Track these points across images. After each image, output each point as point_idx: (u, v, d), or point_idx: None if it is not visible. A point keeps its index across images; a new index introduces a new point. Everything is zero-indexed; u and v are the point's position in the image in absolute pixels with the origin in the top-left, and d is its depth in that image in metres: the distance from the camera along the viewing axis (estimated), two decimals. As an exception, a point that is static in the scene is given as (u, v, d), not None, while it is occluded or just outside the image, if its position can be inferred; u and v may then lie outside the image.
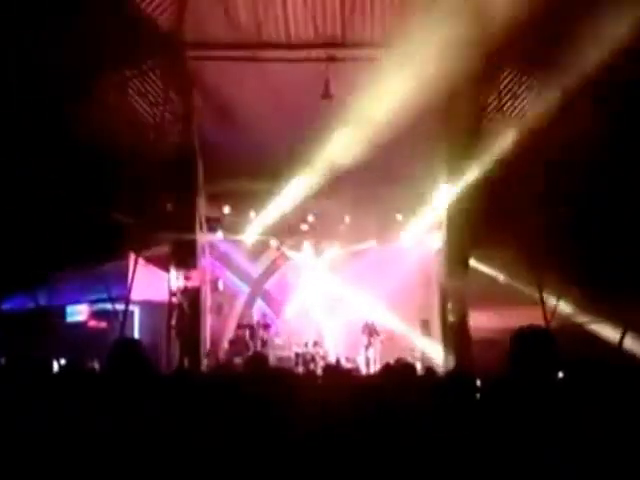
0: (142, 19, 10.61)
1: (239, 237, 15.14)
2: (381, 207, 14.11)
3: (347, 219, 14.76)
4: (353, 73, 11.43)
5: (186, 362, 11.62)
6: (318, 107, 11.39)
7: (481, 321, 12.11)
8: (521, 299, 11.38)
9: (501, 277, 12.42)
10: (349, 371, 8.37)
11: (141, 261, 12.32)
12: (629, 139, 9.05)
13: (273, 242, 15.45)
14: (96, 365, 7.93)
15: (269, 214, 14.22)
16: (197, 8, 11.12)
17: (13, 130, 9.30)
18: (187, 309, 12.15)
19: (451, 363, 11.76)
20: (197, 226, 12.49)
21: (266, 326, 14.89)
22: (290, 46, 11.89)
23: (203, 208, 13.04)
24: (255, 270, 15.77)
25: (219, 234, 14.66)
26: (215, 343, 14.05)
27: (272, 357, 13.23)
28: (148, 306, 13.52)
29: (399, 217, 14.63)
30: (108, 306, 12.45)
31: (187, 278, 12.27)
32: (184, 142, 12.18)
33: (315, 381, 5.49)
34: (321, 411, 3.52)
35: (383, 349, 14.16)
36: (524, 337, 2.64)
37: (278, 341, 14.97)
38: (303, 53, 11.78)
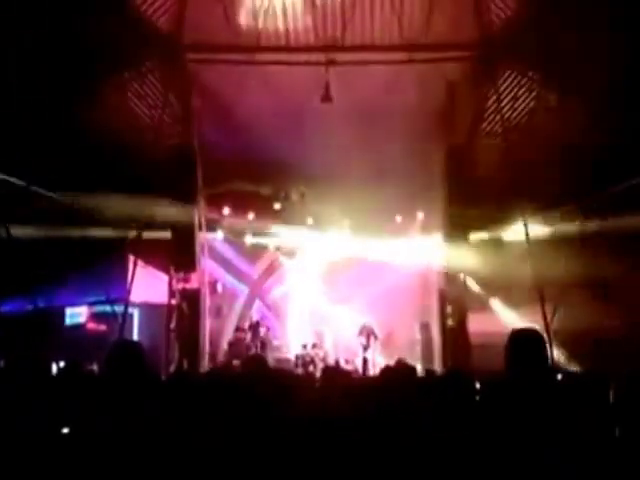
0: (142, 21, 10.62)
1: (238, 239, 15.16)
2: (381, 209, 14.11)
3: (347, 222, 14.78)
4: (353, 76, 11.50)
5: (185, 364, 11.61)
6: (318, 110, 11.42)
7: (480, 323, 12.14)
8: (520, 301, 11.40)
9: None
10: (348, 373, 8.37)
11: (140, 263, 12.32)
12: (628, 138, 9.06)
13: (272, 244, 15.47)
14: (95, 367, 7.92)
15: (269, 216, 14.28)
16: (197, 11, 11.13)
17: (12, 131, 9.30)
18: (186, 311, 12.14)
19: (450, 365, 11.75)
20: (196, 228, 12.48)
21: (266, 328, 14.90)
22: (290, 49, 11.91)
23: (202, 210, 13.04)
24: (254, 272, 15.78)
25: (218, 236, 14.67)
26: (214, 345, 14.04)
27: (271, 359, 13.22)
28: (147, 308, 13.51)
29: (398, 219, 14.66)
30: (107, 308, 12.45)
31: (186, 280, 12.26)
32: (183, 144, 12.18)
33: (314, 383, 5.50)
34: (320, 413, 3.52)
35: (382, 351, 14.18)
36: (518, 339, 2.67)
37: (277, 343, 14.97)
38: (303, 56, 11.79)
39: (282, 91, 11.83)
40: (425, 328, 13.63)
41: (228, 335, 14.84)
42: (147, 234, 11.77)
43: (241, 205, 14.44)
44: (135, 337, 13.06)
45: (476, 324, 12.06)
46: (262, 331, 14.56)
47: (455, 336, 11.94)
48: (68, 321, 13.48)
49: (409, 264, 15.04)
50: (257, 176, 13.42)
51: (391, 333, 14.71)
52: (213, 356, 13.66)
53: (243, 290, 15.74)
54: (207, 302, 13.41)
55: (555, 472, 2.33)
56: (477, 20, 11.07)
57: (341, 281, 15.45)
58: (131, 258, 12.17)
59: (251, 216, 14.64)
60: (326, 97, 11.09)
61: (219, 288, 15.00)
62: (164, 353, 11.90)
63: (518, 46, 11.03)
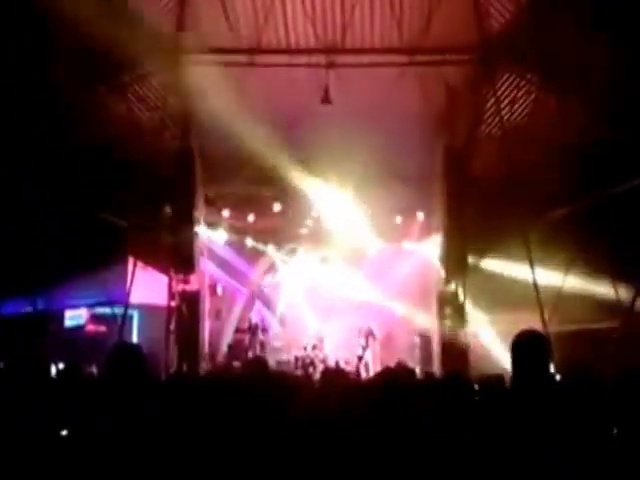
0: (142, 24, 10.63)
1: (238, 241, 15.17)
2: (380, 210, 14.13)
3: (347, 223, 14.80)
4: (353, 78, 11.52)
5: (184, 366, 11.60)
6: (317, 112, 11.44)
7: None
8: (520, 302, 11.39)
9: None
10: (348, 374, 8.37)
11: (140, 265, 12.32)
12: (627, 139, 9.06)
13: (271, 245, 15.50)
14: (94, 369, 7.91)
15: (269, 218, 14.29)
16: (197, 13, 11.15)
17: (11, 134, 9.31)
18: (186, 313, 12.13)
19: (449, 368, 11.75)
20: (196, 230, 12.48)
21: (265, 330, 14.91)
22: (290, 51, 11.94)
23: (202, 212, 13.05)
24: (254, 273, 15.79)
25: (218, 237, 14.68)
26: (214, 347, 14.04)
27: (271, 361, 13.22)
28: (147, 310, 13.51)
29: (398, 220, 14.68)
30: (107, 310, 12.45)
31: (186, 282, 12.26)
32: (183, 146, 12.19)
33: (314, 384, 5.50)
34: (320, 414, 3.52)
35: (381, 352, 14.20)
36: (521, 341, 2.67)
37: (277, 344, 14.98)
38: (303, 58, 11.82)
39: (282, 94, 11.85)
40: (424, 330, 13.63)
41: (228, 337, 14.85)
42: (147, 236, 11.78)
43: (241, 207, 14.46)
44: (135, 339, 13.07)
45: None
46: (260, 333, 14.58)
47: (453, 337, 11.94)
48: (68, 323, 13.49)
49: (408, 265, 15.06)
50: (257, 178, 13.42)
51: (390, 334, 14.73)
52: (213, 358, 13.66)
53: (243, 292, 15.75)
54: (207, 304, 13.41)
55: (555, 472, 2.33)
56: (476, 23, 11.09)
57: (340, 282, 15.48)
58: (131, 260, 12.18)
59: (251, 217, 14.66)
60: (325, 99, 11.12)
61: (219, 290, 15.01)
62: (164, 355, 11.89)
63: (516, 49, 11.05)
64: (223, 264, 15.04)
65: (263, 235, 15.24)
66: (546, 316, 10.56)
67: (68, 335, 12.78)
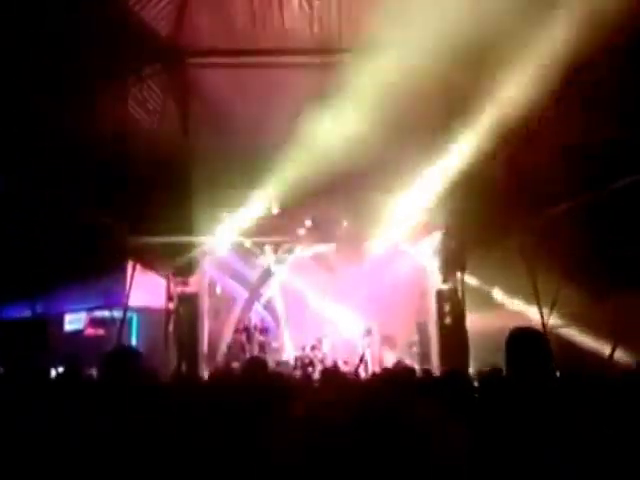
0: (140, 26, 10.63)
1: (236, 242, 15.18)
2: (378, 211, 14.13)
3: (345, 223, 14.81)
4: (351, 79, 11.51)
5: (184, 367, 11.60)
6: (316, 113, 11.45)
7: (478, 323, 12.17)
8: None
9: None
10: (347, 374, 8.38)
11: (139, 268, 12.33)
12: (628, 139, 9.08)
13: (270, 246, 15.50)
14: (94, 372, 7.91)
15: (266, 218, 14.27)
16: (195, 15, 11.17)
17: (10, 136, 9.31)
18: (185, 315, 12.13)
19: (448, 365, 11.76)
20: (195, 232, 12.48)
21: (264, 330, 14.91)
22: (287, 52, 11.96)
23: (200, 214, 13.04)
24: (252, 274, 15.80)
25: (217, 239, 14.69)
26: (213, 347, 14.04)
27: (270, 361, 13.23)
28: (146, 313, 13.51)
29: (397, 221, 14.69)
30: (106, 313, 12.45)
31: (185, 284, 12.26)
32: (182, 148, 12.19)
33: (313, 384, 5.51)
34: (319, 414, 3.53)
35: (379, 350, 14.22)
36: (518, 338, 2.67)
37: (276, 345, 14.98)
38: (300, 59, 11.83)
39: (280, 95, 11.86)
40: (422, 328, 13.65)
41: (227, 337, 14.85)
42: (146, 238, 11.78)
43: (240, 208, 14.46)
44: (134, 342, 13.06)
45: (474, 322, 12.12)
46: (259, 333, 14.59)
47: (453, 335, 11.96)
48: (67, 327, 13.48)
49: (407, 264, 15.08)
50: (255, 180, 13.42)
51: (389, 333, 14.75)
52: (211, 359, 13.66)
53: (242, 293, 15.76)
54: (206, 305, 13.41)
55: (555, 472, 2.34)
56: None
57: (340, 282, 15.49)
58: (130, 263, 12.18)
59: (250, 218, 14.67)
60: (324, 100, 11.13)
61: (217, 291, 15.01)
62: (163, 357, 11.89)
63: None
64: (222, 265, 15.05)
65: (262, 236, 15.24)
66: (545, 315, 10.61)
67: (68, 339, 12.77)
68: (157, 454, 2.58)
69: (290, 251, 15.67)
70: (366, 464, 2.91)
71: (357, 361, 13.46)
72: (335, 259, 15.54)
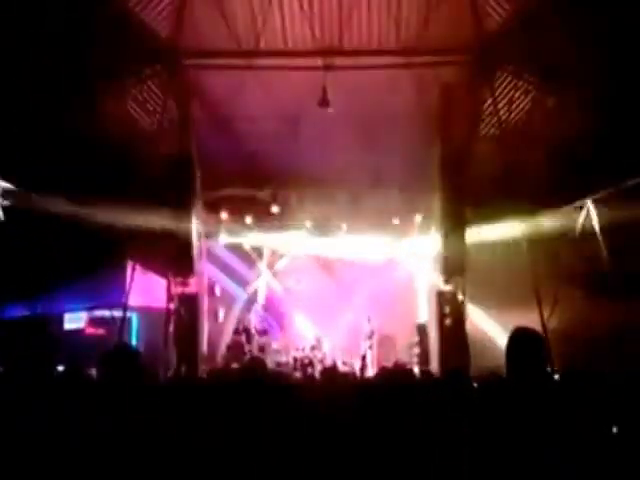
0: (141, 28, 10.65)
1: (236, 243, 15.20)
2: (378, 212, 14.16)
3: (344, 225, 14.82)
4: (351, 80, 11.53)
5: (183, 368, 11.59)
6: (315, 115, 11.46)
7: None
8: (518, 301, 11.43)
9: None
10: (346, 375, 8.38)
11: (139, 268, 12.33)
12: (626, 139, 9.09)
13: (269, 247, 15.52)
14: (94, 372, 7.91)
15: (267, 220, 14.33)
16: (195, 16, 11.17)
17: (10, 137, 9.32)
18: (185, 315, 12.12)
19: (448, 366, 11.76)
20: (194, 232, 12.48)
21: (264, 331, 14.92)
22: (288, 54, 11.96)
23: (200, 214, 13.05)
24: (252, 275, 15.81)
25: (216, 240, 14.70)
26: (212, 348, 14.04)
27: (270, 362, 13.23)
28: (146, 313, 13.51)
29: (396, 222, 14.71)
30: (106, 313, 12.45)
31: (184, 284, 12.25)
32: (182, 149, 12.19)
33: (313, 385, 5.50)
34: (319, 415, 3.53)
35: (379, 352, 14.22)
36: (518, 339, 2.68)
37: (276, 346, 14.98)
38: (301, 61, 11.84)
39: (280, 96, 11.88)
40: (422, 329, 13.65)
41: (226, 338, 14.85)
42: (146, 239, 11.78)
43: (239, 209, 14.49)
44: (133, 342, 13.06)
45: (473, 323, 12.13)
46: (259, 334, 14.60)
47: (452, 336, 11.95)
48: (67, 326, 13.48)
49: (407, 265, 15.11)
50: (255, 181, 13.45)
51: (388, 333, 14.76)
52: (211, 359, 13.65)
53: (241, 293, 15.76)
54: (205, 306, 13.41)
55: (555, 472, 2.34)
56: (473, 24, 11.13)
57: (339, 283, 15.50)
58: (129, 263, 12.18)
59: (249, 220, 14.70)
60: (323, 101, 11.14)
61: (217, 292, 15.01)
62: (162, 357, 11.89)
63: (514, 49, 11.09)
64: (222, 266, 15.06)
65: (261, 237, 15.27)
66: (545, 315, 10.61)
67: (67, 338, 12.78)
68: (157, 454, 2.59)
69: (289, 251, 15.68)
70: (366, 464, 2.91)
71: (360, 361, 13.50)
72: (335, 260, 15.56)
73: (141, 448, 2.55)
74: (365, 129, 12.06)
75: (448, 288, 12.27)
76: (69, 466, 2.49)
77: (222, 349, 14.62)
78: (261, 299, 15.97)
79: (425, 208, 13.91)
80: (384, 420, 3.14)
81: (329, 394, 4.11)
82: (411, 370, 4.26)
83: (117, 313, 11.83)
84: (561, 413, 2.51)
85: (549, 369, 2.70)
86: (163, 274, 12.67)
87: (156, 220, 11.60)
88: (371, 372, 13.31)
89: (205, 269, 13.61)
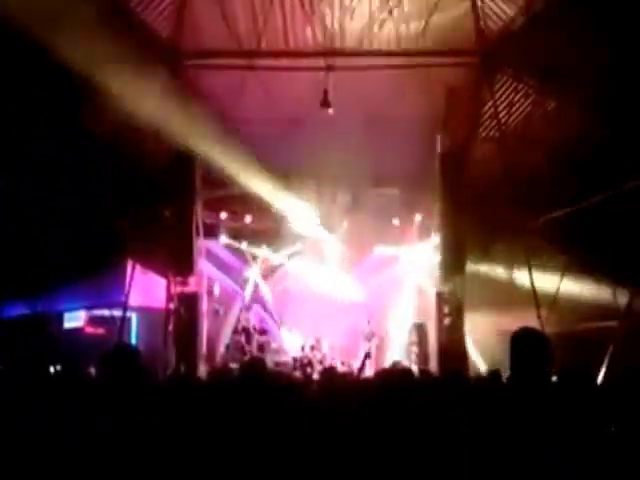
0: (141, 28, 10.65)
1: (236, 242, 15.21)
2: (378, 212, 14.18)
3: (345, 224, 14.85)
4: (352, 81, 11.55)
5: (182, 367, 11.60)
6: (317, 115, 11.47)
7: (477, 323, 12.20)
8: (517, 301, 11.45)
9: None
10: (346, 375, 8.39)
11: (139, 267, 12.33)
12: (626, 143, 9.11)
13: (269, 247, 15.53)
14: (93, 371, 7.91)
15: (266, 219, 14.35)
16: (196, 17, 11.18)
17: (10, 136, 9.33)
18: (184, 315, 12.13)
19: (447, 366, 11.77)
20: (194, 232, 12.50)
21: (263, 331, 14.92)
22: (289, 54, 11.97)
23: (200, 214, 13.07)
24: (252, 275, 15.81)
25: (216, 239, 14.71)
26: (211, 348, 14.04)
27: (269, 361, 13.24)
28: (145, 312, 13.52)
29: (395, 222, 14.73)
30: (106, 312, 12.46)
31: (184, 284, 12.26)
32: (183, 149, 12.20)
33: (312, 385, 5.52)
34: (318, 414, 3.54)
35: (378, 352, 14.23)
36: (519, 339, 2.69)
37: (275, 345, 14.98)
38: (302, 62, 11.85)
39: (281, 97, 11.89)
40: (421, 329, 13.66)
41: (225, 338, 14.86)
42: (146, 238, 11.79)
43: (239, 209, 14.51)
44: (133, 341, 13.07)
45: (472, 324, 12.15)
46: (258, 334, 14.60)
47: (452, 336, 11.96)
48: (66, 325, 13.50)
49: (406, 265, 15.11)
50: (256, 179, 13.45)
51: (387, 333, 14.78)
52: (210, 359, 13.66)
53: (241, 293, 15.77)
54: (205, 305, 13.42)
55: (555, 472, 2.35)
56: (475, 26, 11.15)
57: (338, 282, 15.51)
58: (129, 262, 12.19)
59: (248, 219, 14.72)
60: (325, 102, 11.16)
61: (216, 291, 15.02)
62: (162, 357, 11.90)
63: (515, 52, 11.11)
64: (221, 265, 15.07)
65: (261, 237, 15.28)
66: (543, 317, 10.62)
67: (67, 337, 12.79)
68: (157, 454, 2.59)
69: (289, 252, 15.69)
70: (366, 464, 2.92)
71: (361, 359, 13.49)
72: (336, 259, 15.56)
73: (141, 448, 2.55)
74: (365, 130, 12.07)
75: (447, 288, 12.29)
76: (69, 466, 2.49)
77: (221, 349, 14.63)
78: (261, 299, 15.97)
79: (425, 208, 13.93)
80: (384, 420, 3.15)
81: (329, 394, 4.12)
82: (410, 370, 4.26)
83: (117, 312, 11.83)
84: (561, 413, 2.52)
85: (551, 369, 2.70)
86: (163, 273, 12.68)
87: (156, 219, 11.61)
88: (369, 372, 13.31)
89: (205, 268, 13.62)
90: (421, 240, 14.62)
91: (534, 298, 10.84)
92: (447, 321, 12.21)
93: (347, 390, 4.10)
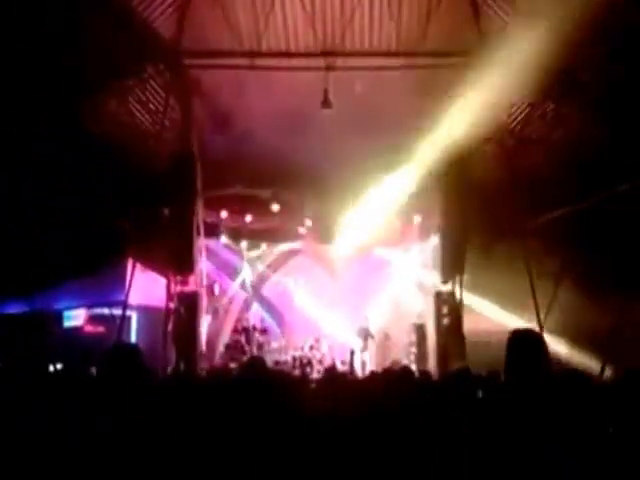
0: (143, 28, 10.65)
1: (236, 241, 15.22)
2: (378, 212, 14.17)
3: (345, 224, 14.84)
4: (352, 82, 11.55)
5: (182, 366, 11.60)
6: (317, 115, 11.48)
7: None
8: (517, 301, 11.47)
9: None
10: (346, 374, 8.41)
11: (139, 266, 12.33)
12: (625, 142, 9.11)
13: (269, 246, 15.54)
14: (93, 369, 7.92)
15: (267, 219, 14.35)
16: (198, 17, 11.19)
17: (11, 136, 9.33)
18: (184, 314, 12.12)
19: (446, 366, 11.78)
20: (194, 231, 12.50)
21: (263, 331, 14.93)
22: (289, 54, 11.97)
23: (200, 213, 13.07)
24: (252, 274, 15.82)
25: (216, 239, 14.72)
26: (211, 347, 14.05)
27: (269, 360, 13.24)
28: (145, 311, 13.52)
29: (395, 222, 14.72)
30: (105, 311, 12.46)
31: (184, 283, 12.25)
32: (183, 148, 12.21)
33: (312, 384, 5.52)
34: (318, 414, 3.54)
35: (377, 352, 14.23)
36: (518, 339, 2.70)
37: (275, 345, 14.99)
38: (302, 61, 11.85)
39: (282, 97, 11.88)
40: (420, 329, 13.67)
41: (225, 337, 14.87)
42: (146, 238, 11.79)
43: (239, 208, 14.51)
44: (133, 340, 13.07)
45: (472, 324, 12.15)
46: (259, 334, 14.61)
47: (450, 337, 11.96)
48: (66, 323, 13.50)
49: (406, 265, 15.12)
50: (256, 180, 13.46)
51: (386, 333, 14.78)
52: (210, 358, 13.67)
53: (240, 292, 15.77)
54: (204, 305, 13.42)
55: (557, 467, 2.36)
56: (474, 27, 11.15)
57: (338, 282, 15.51)
58: (130, 261, 12.19)
59: (249, 218, 14.72)
60: (325, 102, 11.17)
61: (216, 290, 15.03)
62: (161, 356, 11.90)
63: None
64: (221, 264, 15.07)
65: (261, 236, 15.29)
66: (542, 317, 10.64)
67: (66, 335, 12.79)
68: (157, 453, 2.59)
69: (289, 256, 15.72)
70: (366, 464, 2.93)
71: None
72: (334, 260, 15.57)
73: (141, 447, 2.55)
74: (366, 129, 12.06)
75: (446, 288, 12.30)
76: (69, 465, 2.49)
77: (221, 348, 14.64)
78: (260, 298, 15.98)
79: (425, 208, 13.93)
80: (384, 420, 3.15)
81: (329, 394, 4.13)
82: (410, 370, 4.26)
83: (117, 311, 11.83)
84: (562, 410, 2.53)
85: (549, 368, 2.71)
86: (163, 273, 12.69)
87: (157, 219, 11.61)
88: (368, 371, 13.32)
89: (204, 267, 13.63)
90: (421, 240, 14.63)
91: (533, 299, 10.86)
92: (446, 321, 12.21)
93: (347, 390, 4.11)
